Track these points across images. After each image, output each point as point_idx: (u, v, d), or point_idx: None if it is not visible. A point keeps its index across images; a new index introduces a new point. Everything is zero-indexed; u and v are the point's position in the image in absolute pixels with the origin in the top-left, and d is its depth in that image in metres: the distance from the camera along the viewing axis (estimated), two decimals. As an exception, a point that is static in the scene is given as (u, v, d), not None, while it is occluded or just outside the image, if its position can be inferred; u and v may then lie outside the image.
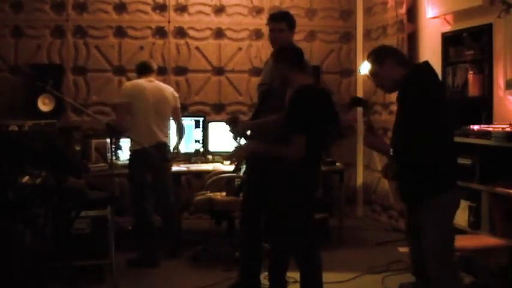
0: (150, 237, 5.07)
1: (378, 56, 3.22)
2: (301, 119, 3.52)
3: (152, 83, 5.18)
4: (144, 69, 5.21)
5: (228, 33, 6.70)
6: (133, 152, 5.03)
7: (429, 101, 3.01)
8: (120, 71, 6.47)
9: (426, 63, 3.21)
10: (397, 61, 3.18)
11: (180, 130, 5.40)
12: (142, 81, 5.15)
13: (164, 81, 6.40)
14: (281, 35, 4.08)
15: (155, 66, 5.34)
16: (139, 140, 4.91)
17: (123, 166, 5.59)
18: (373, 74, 3.25)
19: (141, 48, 6.50)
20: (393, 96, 6.23)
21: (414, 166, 3.03)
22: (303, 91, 3.64)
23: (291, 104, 3.59)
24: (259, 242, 4.23)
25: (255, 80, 5.65)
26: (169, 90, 5.29)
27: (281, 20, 4.11)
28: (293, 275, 4.17)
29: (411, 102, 3.01)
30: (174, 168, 5.50)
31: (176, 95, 5.33)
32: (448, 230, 3.15)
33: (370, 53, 3.29)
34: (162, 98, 5.16)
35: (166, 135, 5.20)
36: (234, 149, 3.93)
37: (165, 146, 5.17)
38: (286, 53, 3.75)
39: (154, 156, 4.96)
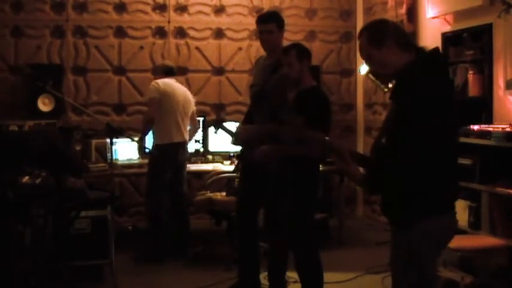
0: (161, 233, 5.17)
1: (375, 34, 2.45)
2: (325, 118, 3.56)
3: (178, 84, 5.42)
4: (168, 71, 5.40)
5: (228, 33, 6.70)
6: (160, 146, 5.13)
7: (433, 104, 2.30)
8: (120, 71, 6.47)
9: (435, 52, 2.47)
10: (399, 44, 2.43)
11: (194, 132, 5.56)
12: (172, 81, 5.34)
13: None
14: (271, 36, 3.99)
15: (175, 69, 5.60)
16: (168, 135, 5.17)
17: (123, 166, 5.60)
18: (366, 56, 2.50)
19: (141, 48, 6.50)
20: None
21: (403, 181, 2.32)
22: (319, 91, 3.72)
23: (310, 103, 3.55)
24: (257, 241, 4.23)
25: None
26: (189, 92, 5.52)
27: (270, 21, 4.00)
28: (293, 275, 4.17)
29: (409, 103, 2.30)
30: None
31: (193, 98, 5.57)
32: (426, 270, 2.41)
33: (364, 27, 2.54)
34: (188, 98, 5.39)
35: (187, 134, 5.40)
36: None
37: (186, 144, 5.38)
38: (308, 53, 3.76)
39: (179, 152, 5.22)
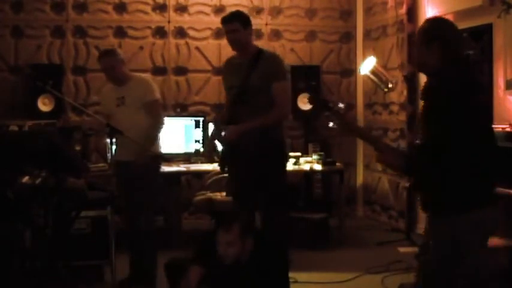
0: None
1: (426, 33, 2.62)
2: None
3: None
4: None
5: (228, 33, 6.70)
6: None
7: (459, 105, 2.49)
8: (120, 71, 6.46)
9: (466, 57, 2.70)
10: (444, 48, 2.58)
11: None
12: None
13: (164, 81, 6.44)
14: (237, 34, 3.96)
15: None
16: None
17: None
18: (416, 49, 2.71)
19: (141, 48, 6.50)
20: (393, 96, 6.27)
21: (439, 176, 2.52)
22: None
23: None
24: None
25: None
26: None
27: (233, 21, 4.00)
28: (293, 276, 4.17)
29: (437, 105, 2.49)
30: (175, 168, 5.56)
31: None
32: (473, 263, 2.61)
33: (425, 22, 2.71)
34: None
35: None
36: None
37: None
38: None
39: None
